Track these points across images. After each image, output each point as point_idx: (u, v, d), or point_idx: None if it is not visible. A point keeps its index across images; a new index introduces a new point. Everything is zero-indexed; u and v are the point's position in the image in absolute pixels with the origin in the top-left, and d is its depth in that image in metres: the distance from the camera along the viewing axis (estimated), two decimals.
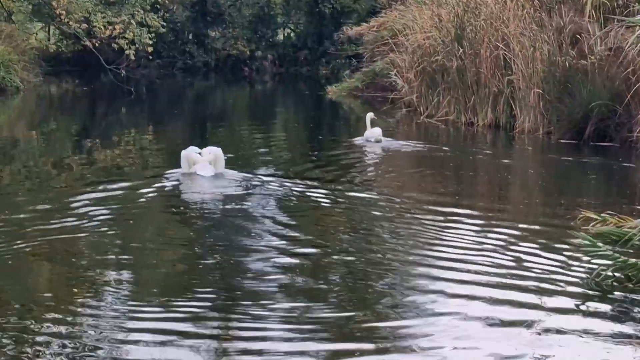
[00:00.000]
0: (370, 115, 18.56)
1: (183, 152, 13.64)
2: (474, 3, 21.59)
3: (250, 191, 12.84)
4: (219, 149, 13.72)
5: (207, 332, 6.61)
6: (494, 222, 10.67)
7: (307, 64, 46.90)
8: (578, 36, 18.88)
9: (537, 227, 10.44)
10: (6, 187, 13.02)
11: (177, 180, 13.36)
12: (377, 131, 18.10)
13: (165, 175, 13.64)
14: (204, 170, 13.37)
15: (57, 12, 31.55)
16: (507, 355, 6.29)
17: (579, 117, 17.96)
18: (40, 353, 6.10)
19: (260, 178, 13.71)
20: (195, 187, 13.07)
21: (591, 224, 8.98)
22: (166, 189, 12.96)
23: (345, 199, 12.32)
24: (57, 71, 38.94)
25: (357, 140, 18.49)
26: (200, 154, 13.61)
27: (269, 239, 9.79)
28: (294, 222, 10.97)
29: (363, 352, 6.26)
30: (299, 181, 13.46)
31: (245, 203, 12.09)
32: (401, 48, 24.60)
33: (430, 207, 11.61)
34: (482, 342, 6.51)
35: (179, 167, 13.72)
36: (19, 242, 9.19)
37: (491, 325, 6.92)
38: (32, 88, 31.40)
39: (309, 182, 13.37)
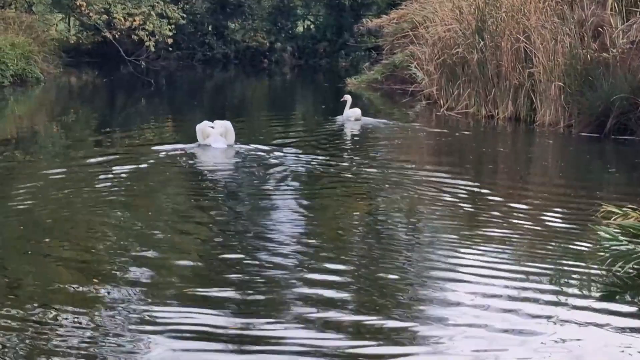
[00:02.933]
0: (348, 97, 20.84)
1: (198, 126, 15.47)
2: None
3: (258, 161, 14.42)
4: (229, 122, 15.61)
5: (225, 326, 6.60)
6: (513, 216, 10.60)
7: (326, 56, 46.79)
8: (600, 29, 18.76)
9: (557, 220, 10.37)
10: (25, 174, 13.03)
11: (194, 151, 15.07)
12: (356, 111, 20.40)
13: (183, 147, 15.23)
14: (217, 142, 15.25)
15: (78, 3, 31.74)
16: (527, 354, 6.27)
17: (600, 110, 17.85)
18: (60, 344, 6.11)
19: (267, 151, 15.29)
20: (209, 158, 14.83)
21: (612, 218, 8.92)
22: (183, 159, 14.46)
23: (341, 170, 14.04)
24: (77, 62, 39.00)
25: (338, 118, 20.72)
26: (212, 127, 15.45)
27: (281, 215, 10.49)
28: (301, 197, 11.90)
29: None
30: (303, 154, 15.07)
31: (255, 173, 13.54)
32: (421, 40, 24.51)
33: (448, 199, 11.59)
34: (503, 342, 6.49)
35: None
36: (36, 229, 9.24)
37: (512, 322, 6.88)
38: (52, 79, 31.47)
39: (307, 155, 15.03)
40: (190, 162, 14.42)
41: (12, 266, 8.00)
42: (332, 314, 6.88)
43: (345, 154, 16.12)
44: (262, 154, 15.04)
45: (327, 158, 14.99)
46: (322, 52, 47.06)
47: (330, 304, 7.11)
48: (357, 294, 7.48)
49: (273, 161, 14.36)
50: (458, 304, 7.24)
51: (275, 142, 16.75)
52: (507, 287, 7.64)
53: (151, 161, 14.11)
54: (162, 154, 14.63)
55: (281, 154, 15.07)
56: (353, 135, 18.95)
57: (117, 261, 8.16)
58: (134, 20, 32.24)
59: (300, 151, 15.40)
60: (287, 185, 12.56)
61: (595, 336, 6.61)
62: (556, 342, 6.44)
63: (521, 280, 7.87)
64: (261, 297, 7.30)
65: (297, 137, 18.41)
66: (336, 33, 46.34)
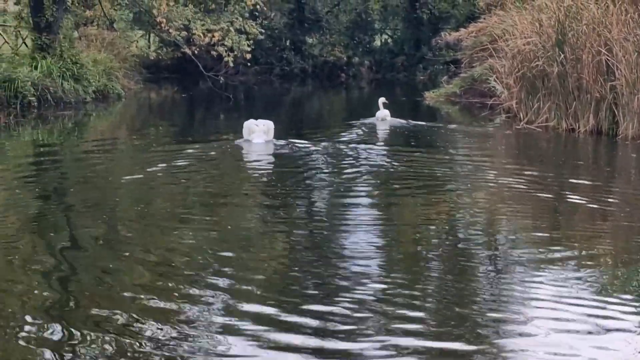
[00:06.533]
0: (382, 100, 23.27)
1: (245, 123, 18.25)
2: (576, 8, 21.18)
3: (295, 154, 16.90)
4: (271, 122, 18.25)
5: (302, 342, 6.57)
6: (594, 231, 10.38)
7: (404, 69, 46.74)
8: None
9: (637, 241, 10.13)
10: (103, 185, 13.20)
11: (240, 145, 17.96)
12: (386, 112, 23.13)
13: (231, 143, 18.42)
14: (258, 137, 17.92)
15: (158, 20, 32.17)
16: None
17: None
18: (138, 352, 6.15)
19: (303, 145, 17.97)
20: (253, 151, 17.25)
21: None
22: (233, 153, 17.30)
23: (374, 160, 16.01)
24: (157, 78, 39.64)
25: (369, 120, 23.36)
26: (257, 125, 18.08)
27: (357, 221, 10.76)
28: (377, 201, 12.39)
29: None
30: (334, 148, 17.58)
31: (294, 165, 15.61)
32: (500, 53, 24.29)
33: (527, 210, 11.39)
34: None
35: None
36: (114, 243, 9.34)
37: (590, 344, 6.70)
38: (133, 95, 31.98)
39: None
40: (254, 164, 16.36)
41: (93, 282, 8.08)
42: (409, 329, 6.81)
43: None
44: (307, 149, 17.40)
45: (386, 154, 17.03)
46: (400, 65, 47.01)
47: (407, 319, 7.03)
48: (435, 316, 7.35)
49: (335, 156, 16.52)
50: (536, 325, 7.07)
51: (342, 140, 19.20)
52: (588, 310, 7.40)
53: (225, 169, 15.65)
54: (228, 157, 16.83)
55: (345, 149, 17.27)
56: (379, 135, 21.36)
57: (194, 277, 8.16)
58: (213, 36, 32.53)
59: (358, 149, 17.37)
60: (360, 186, 13.37)
61: None
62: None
63: (603, 298, 7.65)
64: (338, 314, 7.23)
65: (354, 136, 20.46)
66: (414, 47, 46.27)
